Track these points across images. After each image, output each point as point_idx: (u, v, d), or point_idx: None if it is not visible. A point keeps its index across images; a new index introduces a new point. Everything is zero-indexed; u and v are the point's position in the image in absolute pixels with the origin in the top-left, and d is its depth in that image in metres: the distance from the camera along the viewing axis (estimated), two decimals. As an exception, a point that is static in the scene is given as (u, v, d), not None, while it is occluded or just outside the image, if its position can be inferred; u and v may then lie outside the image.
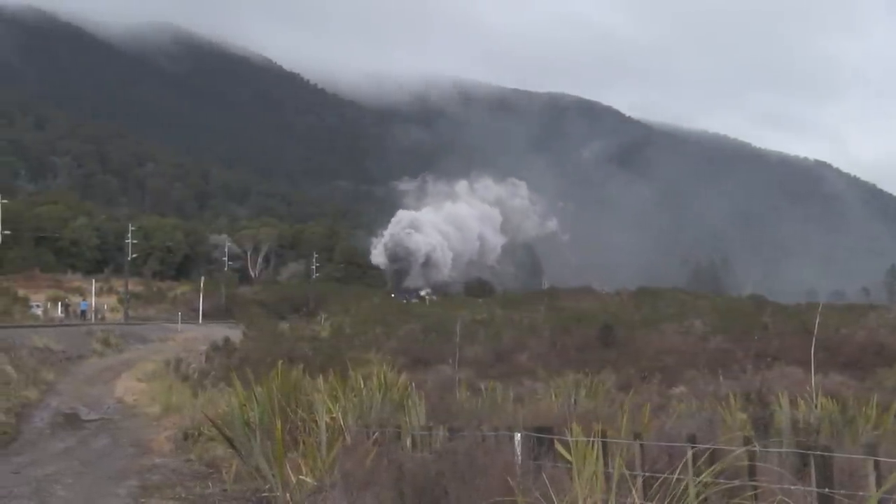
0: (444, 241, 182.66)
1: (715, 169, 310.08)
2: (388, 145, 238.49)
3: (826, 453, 8.40)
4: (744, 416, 15.44)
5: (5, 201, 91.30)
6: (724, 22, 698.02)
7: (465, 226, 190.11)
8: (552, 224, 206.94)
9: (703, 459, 9.54)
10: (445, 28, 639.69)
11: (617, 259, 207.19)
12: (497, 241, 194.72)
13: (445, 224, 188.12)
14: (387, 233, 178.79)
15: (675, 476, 9.52)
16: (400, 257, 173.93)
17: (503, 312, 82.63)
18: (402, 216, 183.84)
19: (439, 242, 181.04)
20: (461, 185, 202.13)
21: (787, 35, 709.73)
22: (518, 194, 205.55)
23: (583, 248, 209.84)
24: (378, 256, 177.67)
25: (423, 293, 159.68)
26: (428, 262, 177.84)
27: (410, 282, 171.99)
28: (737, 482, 9.47)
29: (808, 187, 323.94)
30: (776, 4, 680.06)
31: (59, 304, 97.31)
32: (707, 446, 9.73)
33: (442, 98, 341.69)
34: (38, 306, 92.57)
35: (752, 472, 9.56)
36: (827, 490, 8.22)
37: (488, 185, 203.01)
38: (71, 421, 32.24)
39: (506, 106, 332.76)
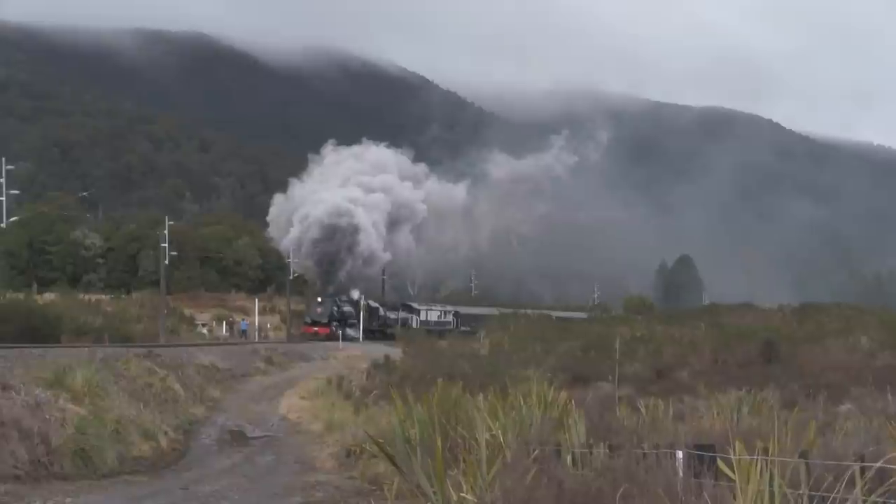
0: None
1: (881, 181, 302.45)
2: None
3: None
4: (914, 434, 15.06)
5: (172, 223, 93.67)
6: (865, 28, 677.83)
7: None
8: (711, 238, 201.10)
9: (870, 478, 9.34)
10: (581, 40, 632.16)
11: (782, 273, 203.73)
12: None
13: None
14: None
15: (842, 496, 9.33)
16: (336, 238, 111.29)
17: (662, 328, 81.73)
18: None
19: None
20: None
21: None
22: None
23: (747, 262, 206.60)
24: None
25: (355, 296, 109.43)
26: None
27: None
28: (907, 502, 9.25)
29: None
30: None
31: (224, 322, 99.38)
32: (876, 464, 9.52)
33: (588, 112, 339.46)
34: (203, 325, 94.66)
35: (923, 492, 9.32)
36: None
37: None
38: (237, 438, 32.96)
39: (658, 119, 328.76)
